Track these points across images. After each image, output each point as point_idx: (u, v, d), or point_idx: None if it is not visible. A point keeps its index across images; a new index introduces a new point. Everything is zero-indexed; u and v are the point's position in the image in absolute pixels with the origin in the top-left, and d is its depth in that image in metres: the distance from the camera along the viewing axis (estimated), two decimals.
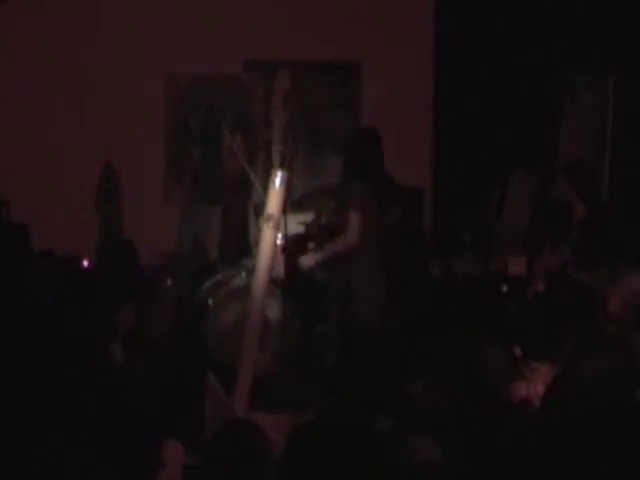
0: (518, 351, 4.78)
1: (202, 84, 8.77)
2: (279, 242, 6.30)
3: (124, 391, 3.65)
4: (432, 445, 3.37)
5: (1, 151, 8.33)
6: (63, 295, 4.99)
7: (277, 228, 5.03)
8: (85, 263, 7.54)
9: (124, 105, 8.53)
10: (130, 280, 5.33)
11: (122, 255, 6.22)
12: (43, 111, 8.49)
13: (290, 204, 6.50)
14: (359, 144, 6.09)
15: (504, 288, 6.74)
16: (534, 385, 3.89)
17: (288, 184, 5.04)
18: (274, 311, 6.53)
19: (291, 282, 6.93)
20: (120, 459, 3.12)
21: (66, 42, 8.50)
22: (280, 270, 6.93)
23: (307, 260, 6.11)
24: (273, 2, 8.84)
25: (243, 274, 6.94)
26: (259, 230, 5.55)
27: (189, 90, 8.81)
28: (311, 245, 7.42)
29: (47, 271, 7.08)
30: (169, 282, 7.24)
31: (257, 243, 5.47)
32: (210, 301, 6.85)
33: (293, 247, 6.98)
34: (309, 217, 7.42)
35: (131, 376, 4.43)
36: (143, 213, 8.37)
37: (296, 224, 7.36)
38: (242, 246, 8.12)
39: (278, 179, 4.94)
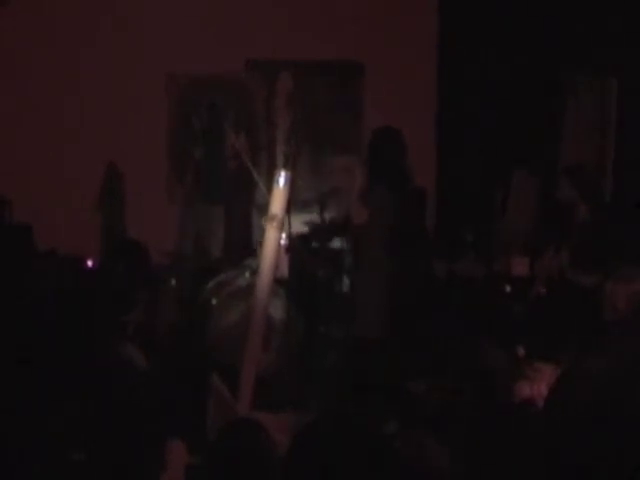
0: (521, 351, 4.78)
1: (203, 84, 8.78)
2: (283, 242, 6.31)
3: (126, 390, 3.65)
4: (433, 445, 3.37)
5: (4, 151, 8.34)
6: (66, 295, 4.99)
7: (281, 228, 5.03)
8: (89, 263, 7.55)
9: (126, 105, 8.54)
10: (138, 280, 5.32)
11: (129, 255, 6.22)
12: (44, 111, 8.50)
13: (293, 204, 6.50)
14: (379, 144, 6.09)
15: (507, 288, 6.74)
16: (537, 385, 3.89)
17: (291, 184, 5.04)
18: (277, 311, 6.55)
19: (295, 282, 6.94)
20: (121, 459, 3.12)
21: (67, 42, 8.50)
22: (284, 270, 6.94)
23: None
24: (274, 2, 8.84)
25: (247, 274, 6.96)
26: (263, 230, 5.55)
27: (190, 90, 8.82)
28: (315, 245, 7.45)
29: (50, 271, 7.09)
30: (172, 282, 7.26)
31: (261, 243, 5.47)
32: (214, 301, 6.86)
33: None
34: (313, 217, 7.43)
35: (133, 376, 4.43)
36: (146, 213, 8.37)
37: (300, 224, 7.38)
38: (245, 246, 8.12)
39: (281, 179, 4.94)
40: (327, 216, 7.21)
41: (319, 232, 7.29)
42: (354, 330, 6.03)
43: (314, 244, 7.44)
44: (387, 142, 6.05)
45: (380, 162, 5.98)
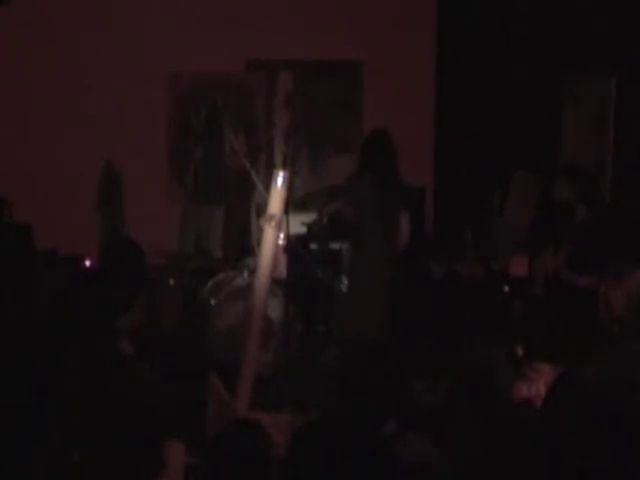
0: (520, 351, 4.79)
1: (204, 84, 8.78)
2: (281, 242, 6.32)
3: (125, 391, 3.65)
4: (432, 446, 3.38)
5: (4, 151, 8.35)
6: (66, 294, 4.99)
7: (279, 228, 5.04)
8: (87, 263, 7.55)
9: (127, 105, 8.54)
10: (136, 279, 5.34)
11: (123, 254, 6.22)
12: (45, 111, 8.50)
13: (292, 204, 6.51)
14: (368, 143, 6.16)
15: (506, 288, 6.75)
16: (536, 385, 3.90)
17: (290, 184, 5.05)
18: (276, 311, 6.55)
19: (293, 282, 6.94)
20: (121, 459, 3.12)
21: (68, 43, 8.50)
22: (282, 270, 6.94)
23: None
24: (274, 2, 8.84)
25: (245, 274, 6.96)
26: (261, 230, 5.56)
27: (191, 90, 8.82)
28: (313, 244, 7.45)
29: (50, 271, 7.10)
30: (171, 282, 7.26)
31: (259, 243, 5.48)
32: (212, 301, 6.87)
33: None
34: (312, 217, 7.44)
35: (132, 376, 4.44)
36: (146, 213, 8.37)
37: (299, 225, 7.38)
38: (244, 246, 8.13)
39: (280, 179, 4.95)
40: (326, 216, 7.21)
41: (318, 232, 7.29)
42: (353, 330, 6.03)
43: (312, 244, 7.44)
44: (378, 143, 6.11)
45: (369, 161, 6.04)
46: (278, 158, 8.92)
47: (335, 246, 7.39)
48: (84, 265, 7.53)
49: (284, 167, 7.59)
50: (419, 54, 9.12)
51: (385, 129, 6.22)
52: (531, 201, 7.60)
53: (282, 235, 6.03)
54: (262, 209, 6.26)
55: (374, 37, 8.99)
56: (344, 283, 6.87)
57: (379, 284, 6.00)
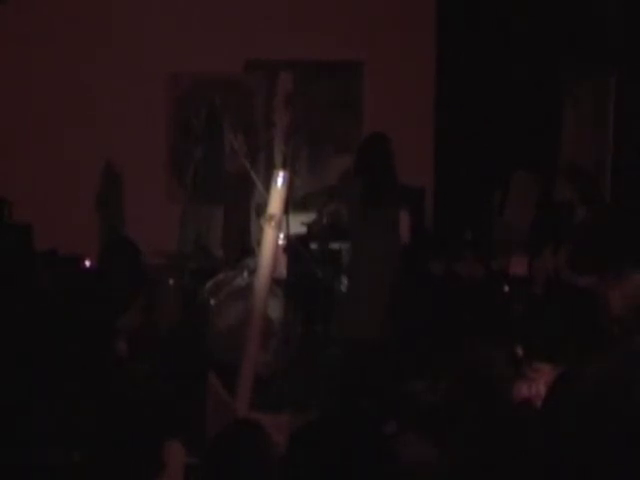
0: (520, 351, 4.78)
1: (204, 84, 8.79)
2: (281, 242, 6.32)
3: (125, 391, 3.65)
4: (432, 446, 3.38)
5: (4, 151, 8.35)
6: (66, 295, 4.99)
7: (279, 228, 5.04)
8: (87, 263, 7.55)
9: (127, 105, 8.55)
10: (135, 279, 5.34)
11: (124, 253, 6.22)
12: (46, 112, 8.51)
13: (292, 204, 6.52)
14: (364, 144, 6.17)
15: (506, 288, 6.74)
16: (536, 385, 3.90)
17: (290, 184, 5.04)
18: (276, 311, 6.55)
19: (293, 282, 6.95)
20: (120, 459, 3.12)
21: (68, 42, 8.51)
22: (282, 270, 6.95)
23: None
24: (274, 2, 8.84)
25: (245, 274, 6.96)
26: (261, 230, 5.55)
27: (191, 90, 8.83)
28: (313, 244, 7.46)
29: (50, 271, 7.10)
30: (171, 282, 7.25)
31: (259, 243, 5.48)
32: (212, 301, 6.86)
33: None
34: (312, 217, 7.44)
35: (132, 376, 4.44)
36: (146, 213, 8.37)
37: (299, 225, 7.38)
38: (244, 246, 8.13)
39: (280, 179, 4.94)
40: (326, 216, 7.22)
41: (317, 232, 7.30)
42: (353, 330, 6.03)
43: (312, 244, 7.45)
44: (372, 146, 6.12)
45: (364, 164, 6.05)
46: (278, 158, 8.93)
47: (335, 246, 7.39)
48: (84, 265, 7.53)
49: (284, 167, 7.59)
50: (419, 54, 9.12)
51: (381, 133, 6.21)
52: (531, 201, 7.60)
53: (282, 235, 6.04)
54: (262, 209, 6.26)
55: (374, 37, 8.99)
56: (344, 283, 6.87)
57: (379, 284, 6.00)
